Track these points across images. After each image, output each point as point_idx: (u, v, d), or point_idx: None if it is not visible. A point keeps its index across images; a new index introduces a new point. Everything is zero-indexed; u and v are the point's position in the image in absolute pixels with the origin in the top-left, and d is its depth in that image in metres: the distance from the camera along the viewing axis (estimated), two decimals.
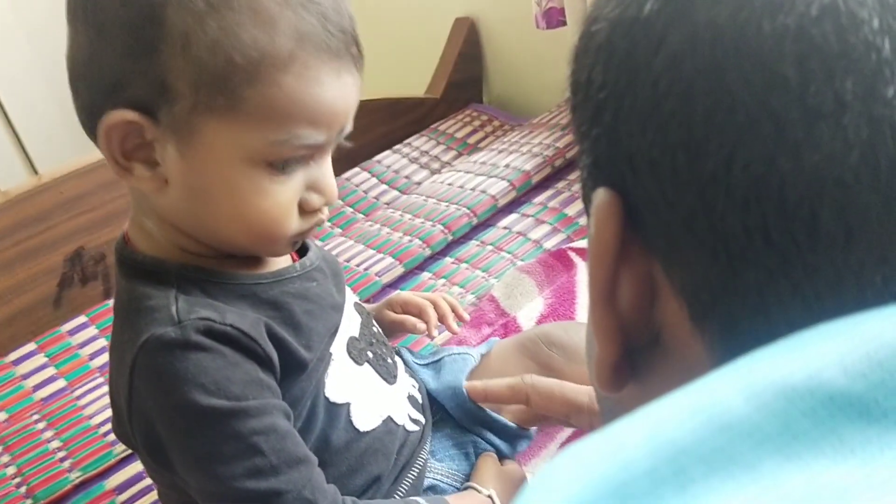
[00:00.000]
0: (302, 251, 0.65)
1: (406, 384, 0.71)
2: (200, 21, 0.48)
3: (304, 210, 0.56)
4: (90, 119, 0.52)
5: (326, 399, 0.61)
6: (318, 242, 0.71)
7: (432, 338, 0.82)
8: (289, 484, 0.53)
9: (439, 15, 1.77)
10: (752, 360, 0.22)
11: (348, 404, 0.63)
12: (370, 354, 0.67)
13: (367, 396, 0.65)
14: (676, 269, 0.26)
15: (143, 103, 0.50)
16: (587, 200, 0.30)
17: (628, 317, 0.28)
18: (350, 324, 0.66)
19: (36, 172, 1.91)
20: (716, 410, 0.20)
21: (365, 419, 0.64)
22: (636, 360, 0.29)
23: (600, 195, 0.28)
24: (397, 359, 0.72)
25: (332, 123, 0.53)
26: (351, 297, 0.69)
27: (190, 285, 0.56)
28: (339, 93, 0.53)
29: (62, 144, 1.82)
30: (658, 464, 0.20)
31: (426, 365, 0.81)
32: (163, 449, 0.54)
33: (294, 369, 0.58)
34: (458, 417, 0.76)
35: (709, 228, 0.25)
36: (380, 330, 0.72)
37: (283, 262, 0.63)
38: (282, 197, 0.54)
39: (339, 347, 0.63)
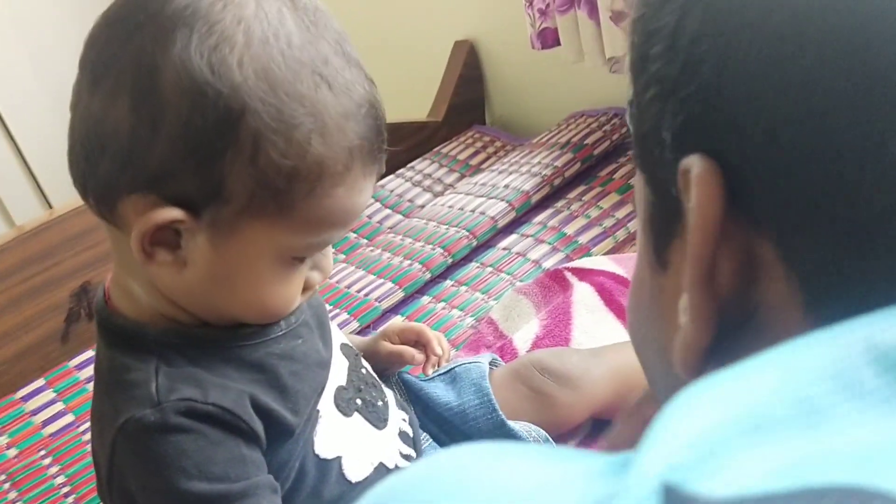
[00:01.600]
0: None
1: (396, 421, 0.70)
2: (274, 132, 0.47)
3: (305, 287, 0.58)
4: (108, 194, 0.50)
5: (316, 456, 0.60)
6: None
7: (437, 365, 0.79)
8: None
9: (438, 39, 1.79)
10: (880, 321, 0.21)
11: (339, 458, 0.62)
12: (359, 402, 0.65)
13: (357, 447, 0.63)
14: (795, 248, 0.24)
15: (189, 200, 0.48)
16: (652, 165, 0.28)
17: (724, 297, 0.26)
18: (338, 372, 0.65)
19: (50, 206, 1.95)
20: (842, 367, 0.20)
21: (356, 470, 0.63)
22: (721, 343, 0.27)
23: (697, 164, 0.25)
24: (387, 398, 0.70)
25: (356, 220, 0.56)
26: (338, 339, 0.68)
27: (172, 352, 0.54)
28: (370, 194, 0.55)
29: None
30: (791, 415, 0.20)
31: (437, 377, 0.80)
32: None
33: (281, 435, 0.57)
34: (476, 428, 0.75)
35: (847, 206, 0.22)
36: (369, 370, 0.71)
37: None
38: (296, 281, 0.56)
39: (326, 402, 0.62)
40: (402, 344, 0.78)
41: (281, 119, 0.47)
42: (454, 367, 0.80)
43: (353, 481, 0.62)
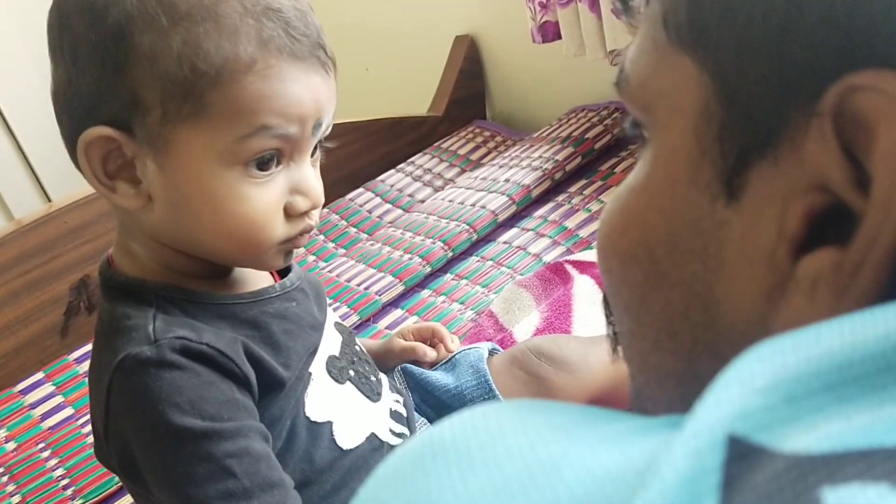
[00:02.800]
0: (283, 272, 0.66)
1: (389, 400, 0.71)
2: (165, 36, 0.50)
3: (290, 215, 0.57)
4: (73, 146, 0.54)
5: (307, 418, 0.61)
6: (312, 257, 0.71)
7: (450, 351, 0.82)
8: None
9: (439, 34, 1.78)
10: None
11: (330, 423, 0.63)
12: (351, 373, 0.67)
13: (349, 414, 0.65)
14: None
15: (118, 120, 0.52)
16: (741, 63, 0.23)
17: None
18: (330, 343, 0.66)
19: (49, 199, 1.94)
20: None
21: (348, 437, 0.64)
22: None
23: (892, 84, 0.21)
24: (381, 377, 0.72)
25: (302, 117, 0.54)
26: (332, 317, 0.70)
27: (169, 305, 0.56)
28: (306, 89, 0.54)
29: (74, 172, 1.85)
30: (888, 350, 0.18)
31: (439, 368, 0.81)
32: (138, 469, 0.54)
33: (272, 388, 0.58)
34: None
35: None
36: (363, 349, 0.72)
37: (263, 282, 0.64)
38: (262, 201, 0.55)
39: (318, 367, 0.63)
40: (419, 340, 0.81)
41: (171, 16, 0.50)
42: (455, 355, 0.81)
43: (345, 448, 0.63)
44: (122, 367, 0.53)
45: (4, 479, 0.98)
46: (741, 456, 0.17)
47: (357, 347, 0.71)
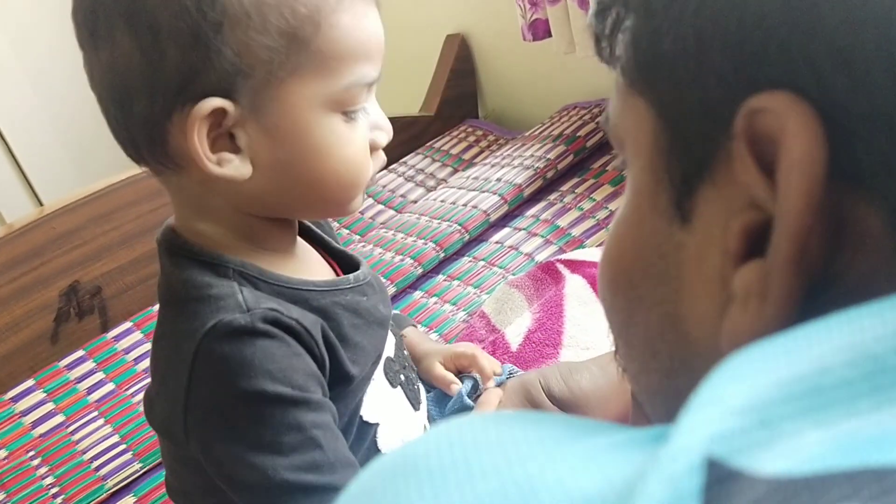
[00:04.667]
0: (352, 266, 0.66)
1: (425, 412, 0.71)
2: None
3: (373, 150, 0.58)
4: (153, 132, 0.52)
5: (360, 417, 0.61)
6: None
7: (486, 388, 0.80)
8: (342, 483, 0.53)
9: (430, 33, 1.78)
10: None
11: (377, 425, 0.63)
12: (402, 378, 0.67)
13: (395, 419, 0.65)
14: None
15: (218, 89, 0.50)
16: (674, 92, 0.25)
17: (813, 274, 0.22)
18: (388, 344, 0.66)
19: (41, 204, 1.94)
20: None
21: (388, 442, 0.64)
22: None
23: (785, 105, 0.21)
24: (421, 386, 0.72)
25: (380, 55, 0.55)
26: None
27: (245, 281, 0.55)
28: (378, 23, 0.55)
29: (66, 176, 1.86)
30: (856, 376, 0.18)
31: (429, 394, 0.80)
32: (216, 441, 0.53)
33: (340, 381, 0.58)
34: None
35: None
36: (409, 355, 0.73)
37: (330, 276, 0.64)
38: (360, 140, 0.56)
39: (378, 368, 0.64)
40: (457, 368, 0.80)
41: None
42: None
43: (384, 452, 0.63)
44: (213, 333, 0.52)
45: None
46: (720, 480, 0.17)
47: (405, 352, 0.71)
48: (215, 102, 0.49)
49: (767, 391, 0.18)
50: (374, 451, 0.63)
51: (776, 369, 0.19)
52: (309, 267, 0.62)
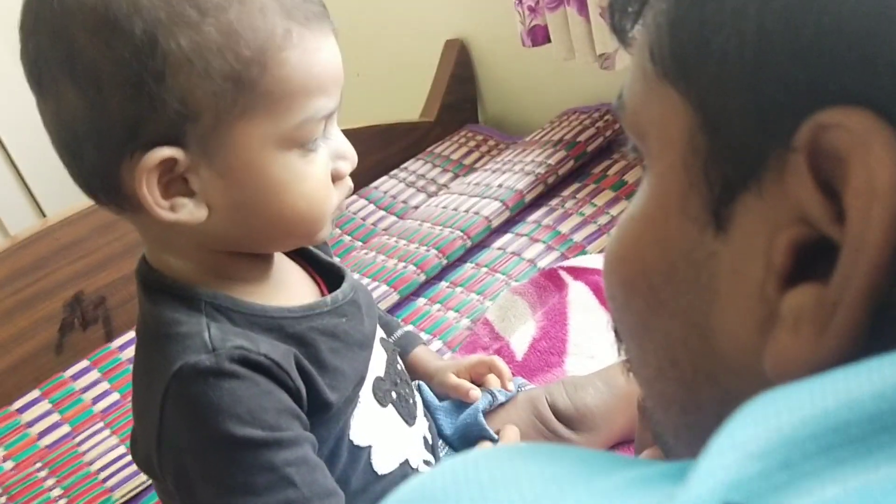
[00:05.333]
0: (335, 283, 0.65)
1: (423, 425, 0.70)
2: (199, 31, 0.48)
3: (335, 180, 0.57)
4: (104, 179, 0.51)
5: (350, 441, 0.60)
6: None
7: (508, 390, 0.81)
8: None
9: (429, 38, 1.78)
10: None
11: (370, 447, 0.62)
12: (394, 395, 0.66)
13: (388, 439, 0.64)
14: None
15: (166, 136, 0.49)
16: (723, 91, 0.23)
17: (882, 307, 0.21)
18: (376, 363, 0.65)
19: (44, 215, 1.94)
20: None
21: (384, 462, 0.63)
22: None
23: (863, 124, 0.20)
24: (418, 399, 0.71)
25: (337, 84, 0.54)
26: (378, 333, 0.68)
27: (218, 314, 0.55)
28: (332, 53, 0.54)
29: (69, 187, 1.84)
30: (884, 410, 0.17)
31: (443, 403, 0.80)
32: (189, 480, 0.53)
33: (319, 409, 0.57)
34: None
35: None
36: (403, 369, 0.71)
37: (312, 296, 0.63)
38: (318, 174, 0.55)
39: (365, 389, 0.63)
40: (473, 377, 0.79)
41: (199, 9, 0.48)
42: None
43: (380, 473, 0.62)
44: (179, 375, 0.51)
45: (3, 499, 0.98)
46: None
47: (399, 367, 0.70)
48: (163, 153, 0.49)
49: (790, 431, 0.18)
50: (370, 473, 0.62)
51: (800, 409, 0.18)
52: (287, 290, 0.61)
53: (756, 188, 0.23)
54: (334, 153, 0.56)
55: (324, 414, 0.57)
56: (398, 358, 0.71)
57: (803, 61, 0.21)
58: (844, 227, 0.21)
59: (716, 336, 0.25)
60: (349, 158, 0.57)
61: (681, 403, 0.28)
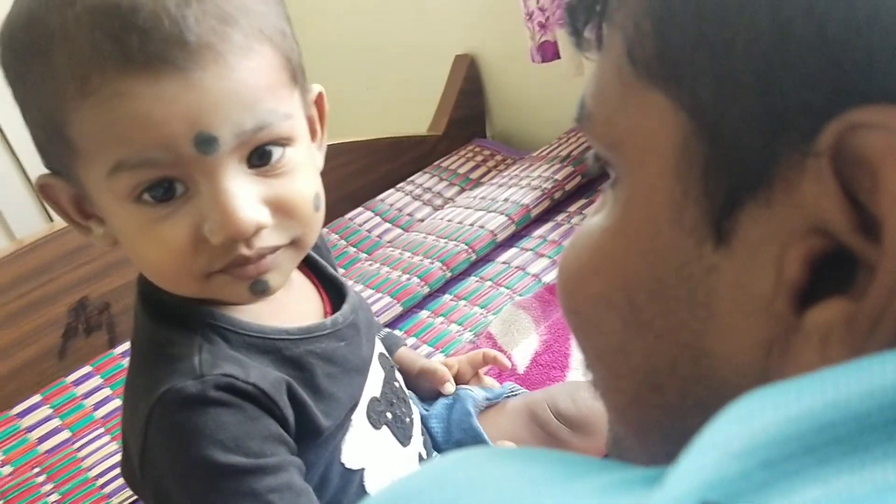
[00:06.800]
0: (339, 301, 0.64)
1: (418, 443, 0.69)
2: (23, 83, 0.51)
3: (201, 241, 0.49)
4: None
5: (342, 465, 0.60)
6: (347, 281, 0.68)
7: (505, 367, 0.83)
8: None
9: (439, 53, 1.79)
10: None
11: (363, 470, 0.61)
12: (389, 416, 0.65)
13: (381, 461, 0.63)
14: None
15: (59, 168, 0.53)
16: (722, 94, 0.21)
17: None
18: (373, 383, 0.64)
19: (51, 219, 1.95)
20: None
21: (377, 485, 0.62)
22: None
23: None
24: (415, 417, 0.70)
25: (162, 138, 0.46)
26: (377, 348, 0.67)
27: (213, 333, 0.54)
28: (155, 102, 0.45)
29: None
30: (872, 409, 0.17)
31: (438, 405, 0.79)
32: (171, 500, 0.53)
33: (310, 434, 0.56)
34: None
35: None
36: (401, 384, 0.70)
37: (313, 316, 0.62)
38: (167, 235, 0.49)
39: (359, 412, 0.62)
40: (474, 367, 0.80)
41: (16, 74, 0.51)
42: (455, 393, 0.79)
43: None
44: (164, 400, 0.51)
45: (0, 503, 0.97)
46: None
47: (396, 384, 0.69)
48: (44, 180, 0.54)
49: (774, 430, 0.17)
50: (363, 495, 0.61)
51: (785, 408, 0.18)
52: (289, 309, 0.60)
53: (764, 197, 0.21)
54: (198, 214, 0.49)
55: (314, 439, 0.57)
56: (395, 374, 0.70)
57: (829, 55, 0.19)
58: (881, 235, 0.19)
59: (711, 359, 0.23)
60: (219, 223, 0.48)
61: (663, 432, 0.27)
